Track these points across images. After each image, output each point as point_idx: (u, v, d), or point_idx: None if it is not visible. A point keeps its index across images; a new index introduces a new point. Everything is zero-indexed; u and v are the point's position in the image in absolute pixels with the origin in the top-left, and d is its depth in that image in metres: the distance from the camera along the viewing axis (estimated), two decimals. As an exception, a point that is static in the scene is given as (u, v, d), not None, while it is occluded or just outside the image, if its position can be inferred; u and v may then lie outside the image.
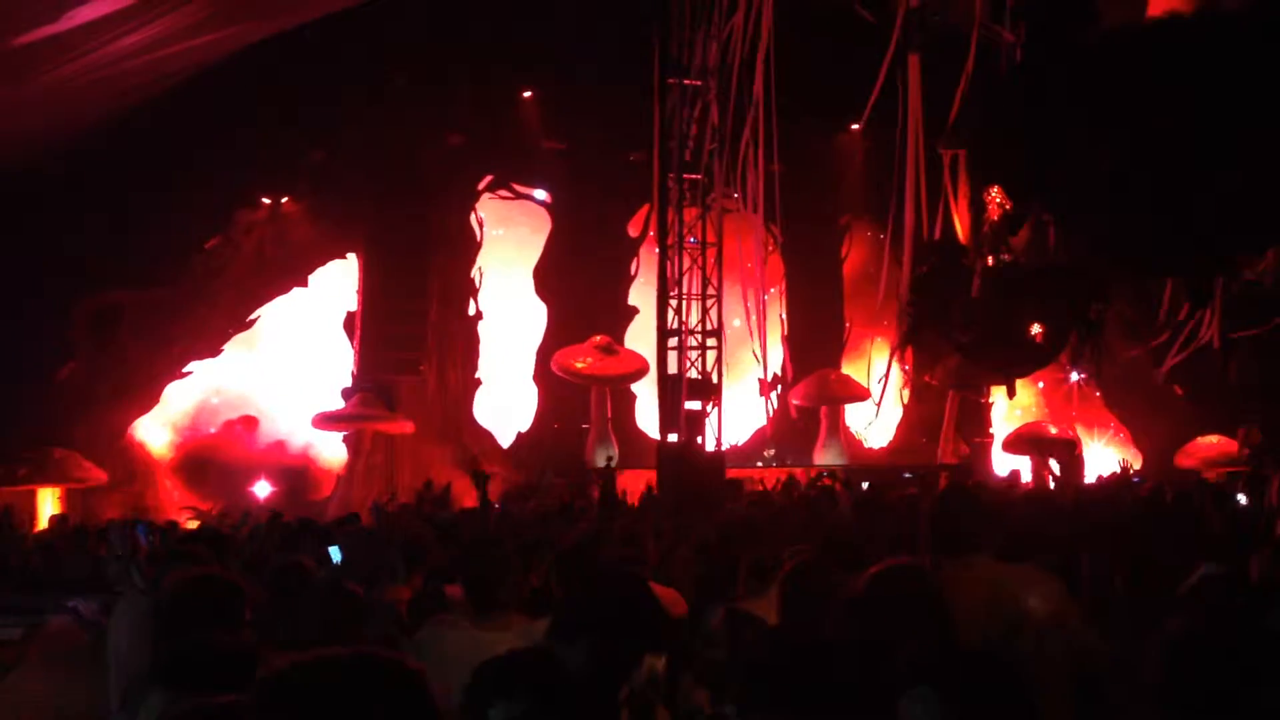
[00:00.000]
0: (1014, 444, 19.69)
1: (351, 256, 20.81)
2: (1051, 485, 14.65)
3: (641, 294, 21.26)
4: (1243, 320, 14.85)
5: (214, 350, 19.98)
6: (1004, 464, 19.53)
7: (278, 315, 20.75)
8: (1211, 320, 14.79)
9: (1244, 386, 17.36)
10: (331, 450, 20.37)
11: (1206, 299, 13.70)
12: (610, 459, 19.27)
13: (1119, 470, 16.86)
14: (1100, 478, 15.62)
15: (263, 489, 18.98)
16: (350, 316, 20.70)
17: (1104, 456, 20.28)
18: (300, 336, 21.03)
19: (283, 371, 20.82)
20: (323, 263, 20.73)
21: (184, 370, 19.74)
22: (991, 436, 20.54)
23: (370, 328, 20.18)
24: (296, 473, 19.83)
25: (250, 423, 20.51)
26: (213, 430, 20.35)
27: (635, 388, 21.10)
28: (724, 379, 16.40)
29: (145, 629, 3.80)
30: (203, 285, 19.67)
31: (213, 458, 19.68)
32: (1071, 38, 12.97)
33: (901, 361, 17.38)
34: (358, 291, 20.65)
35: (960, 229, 14.71)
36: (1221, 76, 11.58)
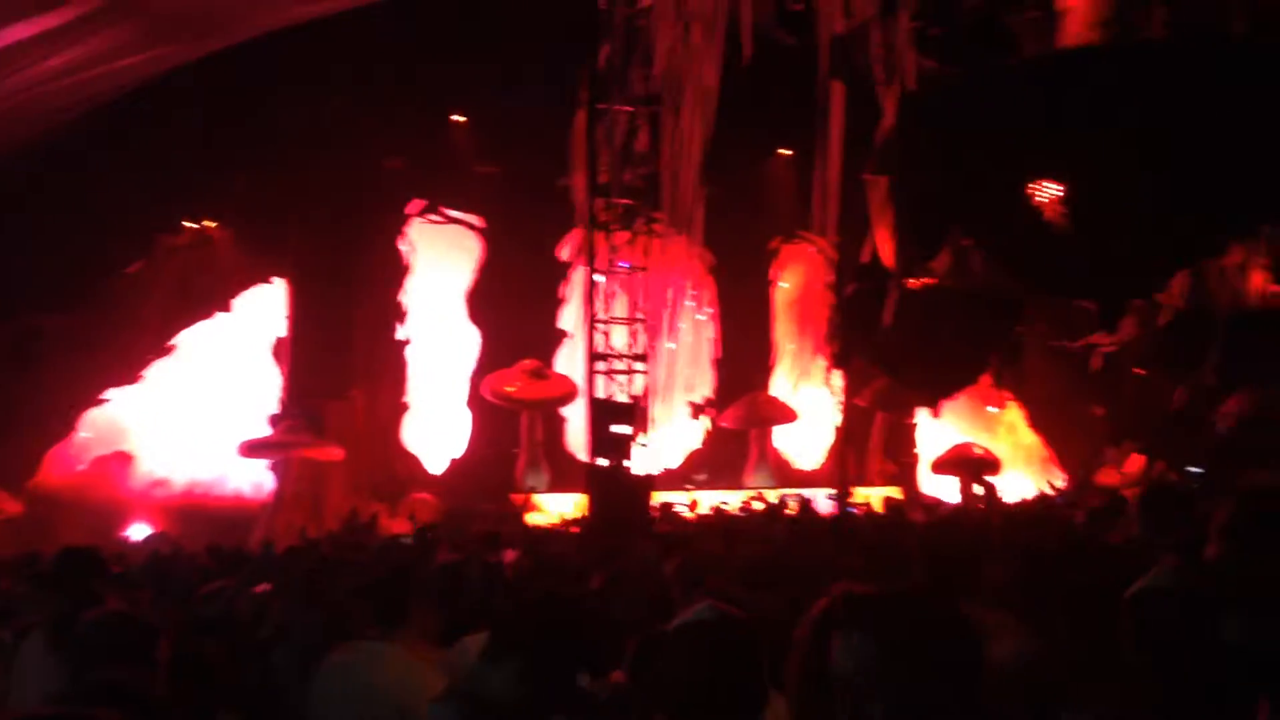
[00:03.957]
0: (942, 465, 19.96)
1: (278, 281, 20.51)
2: (980, 506, 14.89)
3: (573, 318, 21.23)
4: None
5: (133, 377, 19.52)
6: (931, 485, 19.82)
7: (197, 341, 20.23)
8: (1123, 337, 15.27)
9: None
10: (226, 486, 19.38)
11: (1118, 320, 14.15)
12: (533, 486, 19.23)
13: (1046, 491, 17.19)
14: (1023, 500, 15.85)
15: (139, 531, 17.28)
16: (279, 342, 20.34)
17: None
18: (215, 365, 20.13)
19: (179, 403, 19.69)
20: (247, 288, 20.42)
21: (102, 397, 19.26)
22: (917, 457, 20.80)
23: (298, 353, 19.87)
24: (181, 513, 18.10)
25: (123, 459, 19.34)
26: (80, 468, 18.97)
27: (566, 411, 21.04)
28: (656, 402, 16.44)
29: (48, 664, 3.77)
30: (124, 310, 19.25)
31: (78, 498, 18.04)
32: (991, 68, 13.35)
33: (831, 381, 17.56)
34: (286, 316, 20.32)
35: (884, 253, 14.97)
36: (1140, 102, 11.97)
